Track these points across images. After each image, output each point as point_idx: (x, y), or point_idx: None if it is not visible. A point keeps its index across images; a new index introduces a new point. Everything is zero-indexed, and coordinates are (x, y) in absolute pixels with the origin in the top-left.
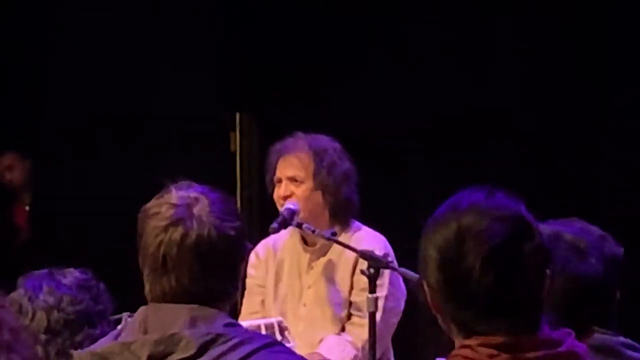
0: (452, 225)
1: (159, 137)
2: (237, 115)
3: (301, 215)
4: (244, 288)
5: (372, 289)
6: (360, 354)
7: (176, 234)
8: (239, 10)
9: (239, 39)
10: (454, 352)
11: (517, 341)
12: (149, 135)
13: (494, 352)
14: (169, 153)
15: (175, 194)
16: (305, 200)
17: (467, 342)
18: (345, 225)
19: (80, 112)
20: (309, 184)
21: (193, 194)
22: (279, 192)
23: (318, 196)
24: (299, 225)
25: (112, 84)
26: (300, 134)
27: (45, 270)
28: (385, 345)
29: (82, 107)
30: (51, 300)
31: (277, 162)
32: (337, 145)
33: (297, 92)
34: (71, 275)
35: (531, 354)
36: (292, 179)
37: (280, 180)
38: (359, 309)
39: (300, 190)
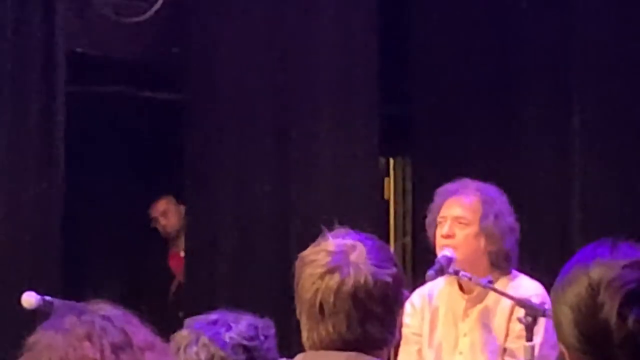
0: (582, 280)
1: (315, 181)
2: (392, 161)
3: (457, 258)
4: (400, 337)
5: (529, 337)
6: None
7: (333, 281)
8: (395, 57)
9: (395, 83)
10: None
11: None
12: (306, 182)
13: None
14: (325, 200)
15: (332, 242)
16: (465, 243)
17: None
18: (505, 274)
19: (247, 157)
20: (474, 228)
21: (349, 242)
22: (440, 230)
23: (479, 242)
24: (456, 273)
25: (270, 129)
26: (468, 180)
27: (216, 315)
28: None
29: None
30: (203, 355)
31: (442, 203)
32: (504, 197)
33: (452, 139)
34: (237, 328)
35: None
36: (458, 220)
37: (444, 220)
38: (513, 356)
39: (463, 233)
